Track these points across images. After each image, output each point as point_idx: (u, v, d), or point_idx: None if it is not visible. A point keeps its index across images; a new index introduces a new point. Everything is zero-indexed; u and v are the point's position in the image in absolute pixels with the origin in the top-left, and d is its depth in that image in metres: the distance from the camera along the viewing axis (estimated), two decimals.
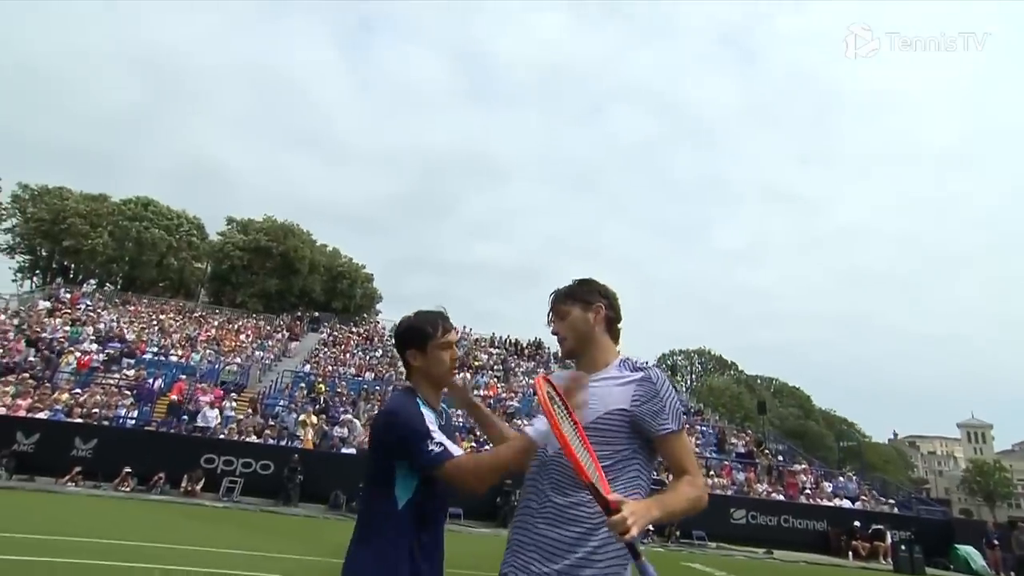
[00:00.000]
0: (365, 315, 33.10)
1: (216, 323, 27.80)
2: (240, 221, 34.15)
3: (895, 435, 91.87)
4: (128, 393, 16.85)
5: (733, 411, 41.44)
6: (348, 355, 26.21)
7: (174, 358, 21.27)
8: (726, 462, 19.91)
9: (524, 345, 31.46)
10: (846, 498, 18.57)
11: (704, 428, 23.62)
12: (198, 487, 13.57)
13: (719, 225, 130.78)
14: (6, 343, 18.89)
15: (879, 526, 15.96)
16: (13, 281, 32.98)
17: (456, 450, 1.65)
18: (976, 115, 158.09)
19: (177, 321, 26.59)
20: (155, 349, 21.84)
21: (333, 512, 13.53)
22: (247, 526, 10.48)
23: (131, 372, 18.89)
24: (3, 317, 21.19)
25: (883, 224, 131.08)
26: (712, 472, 18.99)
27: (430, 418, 1.70)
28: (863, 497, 19.36)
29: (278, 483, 13.93)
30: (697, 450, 20.87)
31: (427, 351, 1.81)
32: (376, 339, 29.46)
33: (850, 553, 15.50)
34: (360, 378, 22.91)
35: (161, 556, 6.79)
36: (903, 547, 14.36)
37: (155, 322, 25.34)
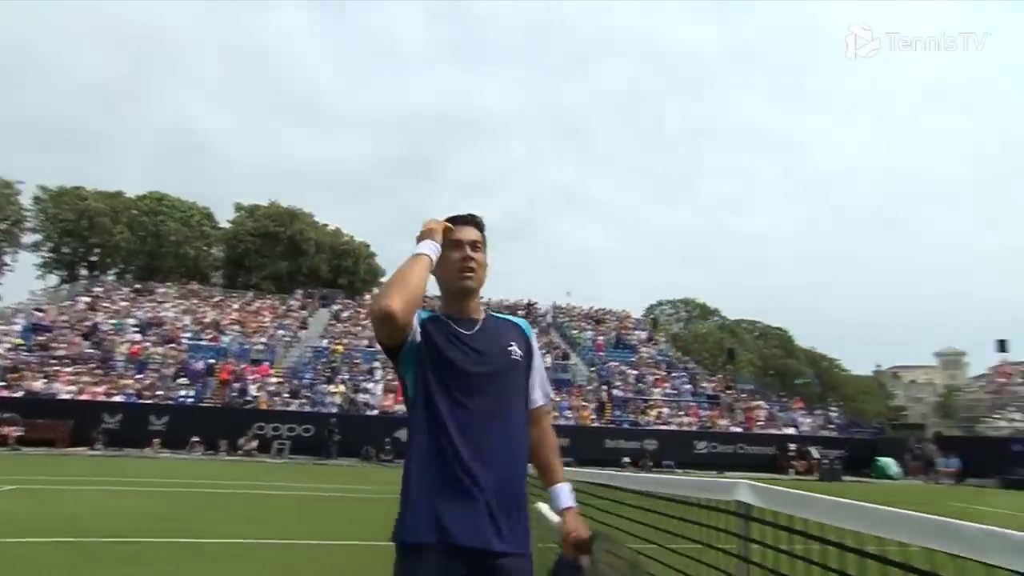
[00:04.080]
0: (372, 289, 35.90)
1: (236, 306, 30.62)
2: (246, 207, 36.62)
3: (879, 367, 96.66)
4: (182, 375, 19.84)
5: (716, 356, 44.93)
6: (359, 328, 29.16)
7: (204, 342, 24.17)
8: (692, 403, 23.22)
9: (516, 309, 34.39)
10: (792, 427, 21.97)
11: (678, 374, 26.88)
12: (254, 447, 16.75)
13: (705, 173, 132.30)
14: (61, 337, 21.77)
15: (811, 448, 19.36)
16: (37, 278, 35.65)
17: None
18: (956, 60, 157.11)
19: (200, 307, 29.41)
20: (189, 334, 24.74)
21: (366, 463, 16.76)
22: (307, 472, 13.64)
23: (173, 355, 21.85)
24: (56, 314, 23.95)
25: (867, 163, 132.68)
26: (682, 412, 22.32)
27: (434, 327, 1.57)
28: (821, 425, 22.79)
29: (319, 442, 17.09)
30: (673, 392, 24.21)
31: (441, 252, 1.62)
32: None
33: (790, 470, 18.91)
34: (374, 348, 25.91)
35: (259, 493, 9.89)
36: (826, 462, 17.75)
37: (183, 309, 28.16)
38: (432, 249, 1.56)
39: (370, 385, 21.11)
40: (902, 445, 21.27)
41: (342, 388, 19.52)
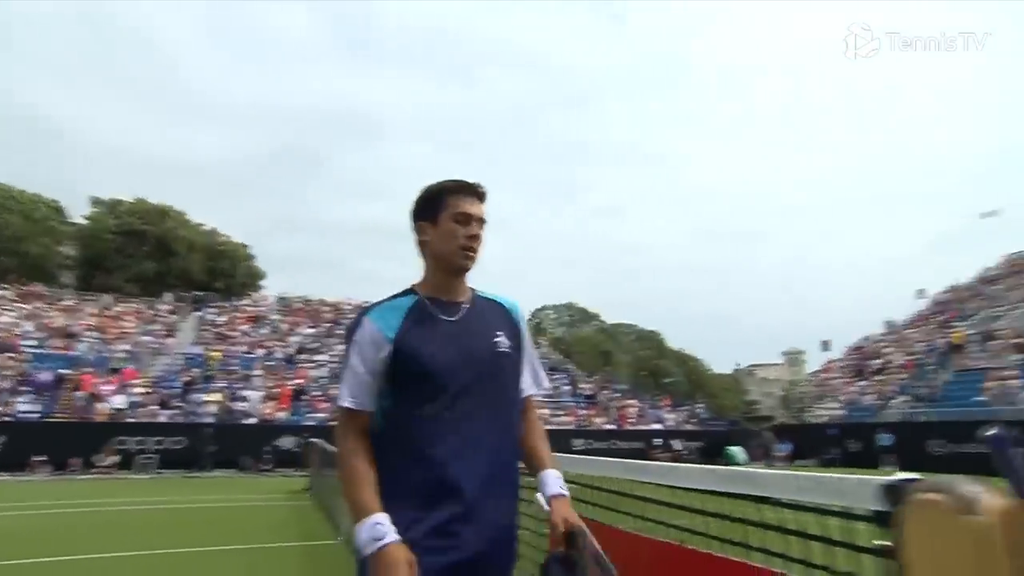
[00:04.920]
0: (250, 293, 34.08)
1: (94, 310, 27.82)
2: (107, 202, 33.23)
3: (738, 366, 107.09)
4: (24, 388, 17.81)
5: (595, 358, 47.65)
6: (236, 333, 27.69)
7: (50, 350, 21.74)
8: (572, 403, 24.71)
9: None
10: (659, 422, 24.14)
11: (559, 376, 28.36)
12: (110, 465, 15.49)
13: (589, 183, 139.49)
14: None
15: (675, 440, 21.48)
16: None
17: (361, 395, 1.41)
18: (799, 89, 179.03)
19: (46, 311, 26.38)
20: (32, 342, 22.16)
21: (244, 473, 16.15)
22: (180, 486, 12.97)
23: (12, 365, 19.47)
24: None
25: (731, 183, 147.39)
26: (562, 412, 23.67)
27: (380, 338, 1.40)
28: (685, 420, 25.14)
29: (193, 455, 16.20)
30: (554, 393, 25.54)
31: (438, 221, 1.47)
32: (262, 316, 30.94)
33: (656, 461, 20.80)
34: (251, 354, 24.77)
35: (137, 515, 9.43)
36: (687, 452, 19.81)
37: (25, 313, 25.12)
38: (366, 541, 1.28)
39: (248, 393, 20.26)
40: (750, 435, 24.09)
41: (218, 396, 18.60)
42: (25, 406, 16.88)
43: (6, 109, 73.89)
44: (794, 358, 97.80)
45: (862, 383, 24.51)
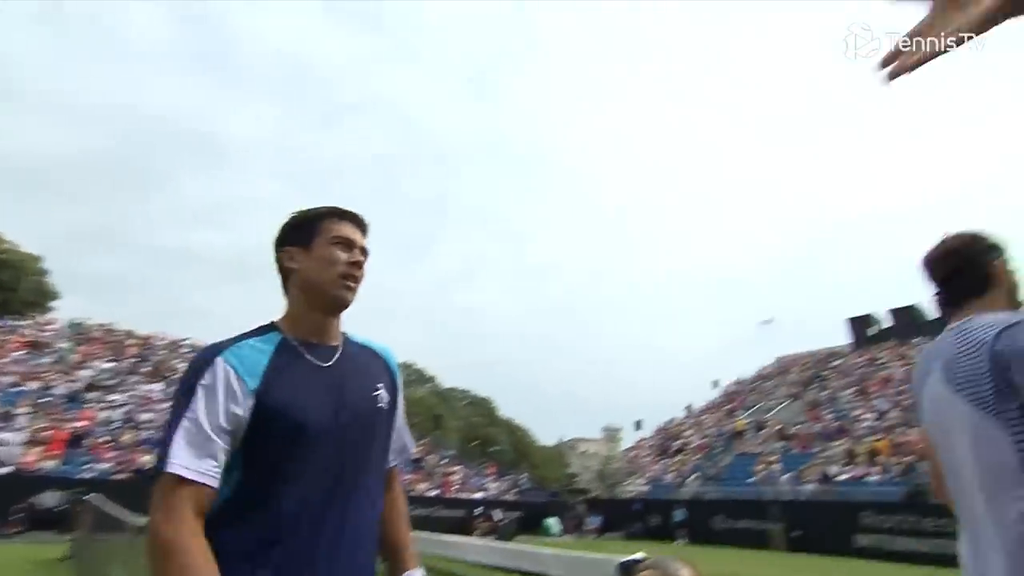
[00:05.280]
0: (34, 313, 28.85)
1: None
2: None
3: (561, 439, 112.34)
4: None
5: (426, 421, 47.08)
6: (4, 359, 23.10)
7: None
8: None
9: None
10: (482, 491, 24.36)
11: None
12: None
13: (440, 244, 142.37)
14: None
15: (495, 510, 21.77)
16: None
17: (204, 462, 1.07)
18: (636, 194, 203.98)
19: None
20: None
21: None
22: None
23: None
24: None
25: (573, 264, 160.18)
26: None
27: (239, 387, 1.12)
28: (508, 489, 25.53)
29: None
30: None
31: (312, 246, 1.27)
32: (45, 342, 26.26)
33: (476, 531, 20.79)
34: (20, 388, 20.74)
35: None
36: (505, 522, 20.17)
37: None
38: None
39: (6, 435, 16.80)
40: (566, 507, 25.19)
41: None
42: None
43: None
44: (612, 434, 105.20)
45: (665, 461, 27.12)
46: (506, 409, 67.85)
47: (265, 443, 1.14)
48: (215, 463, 1.09)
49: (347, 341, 1.36)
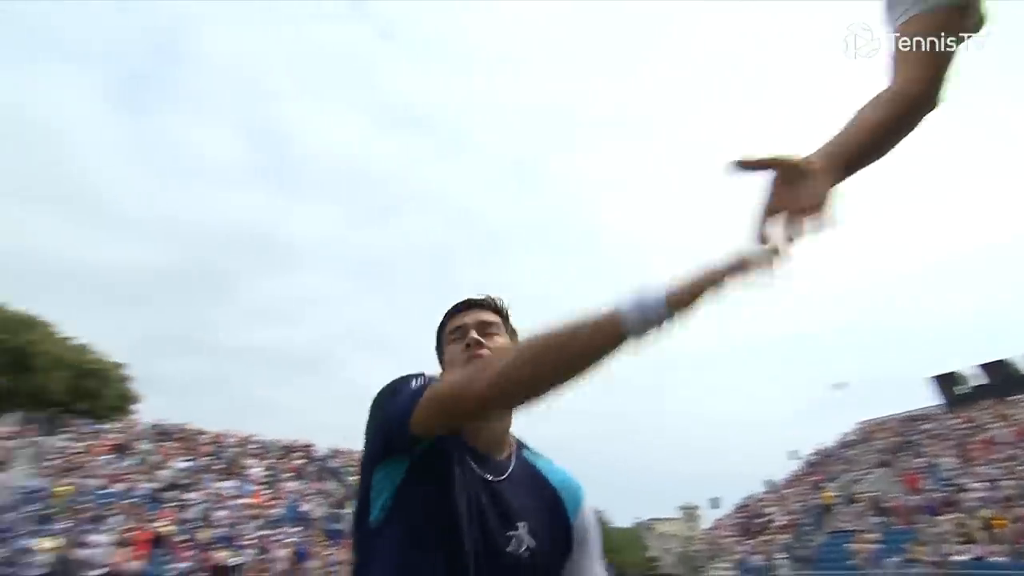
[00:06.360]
0: (118, 418, 30.60)
1: None
2: None
3: (638, 520, 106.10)
4: None
5: None
6: (96, 463, 24.39)
7: None
8: None
9: (292, 450, 31.91)
10: None
11: None
12: None
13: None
14: None
15: None
16: None
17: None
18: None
19: None
20: None
21: None
22: None
23: None
24: None
25: None
26: None
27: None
28: None
29: None
30: None
31: (444, 351, 1.22)
32: (128, 444, 27.65)
33: None
34: (108, 490, 21.71)
35: None
36: None
37: None
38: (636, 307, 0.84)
39: (96, 537, 17.48)
40: None
41: (56, 541, 15.97)
42: None
43: None
44: (690, 513, 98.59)
45: (750, 542, 25.15)
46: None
47: (419, 506, 1.09)
48: None
49: (521, 456, 1.21)
